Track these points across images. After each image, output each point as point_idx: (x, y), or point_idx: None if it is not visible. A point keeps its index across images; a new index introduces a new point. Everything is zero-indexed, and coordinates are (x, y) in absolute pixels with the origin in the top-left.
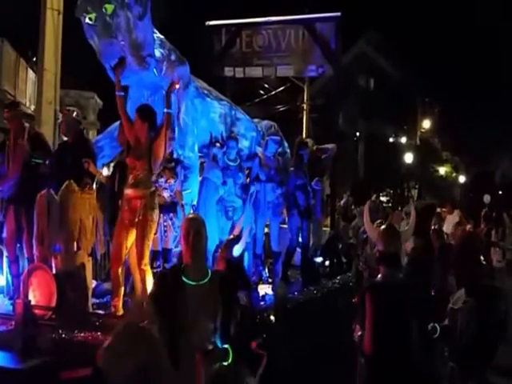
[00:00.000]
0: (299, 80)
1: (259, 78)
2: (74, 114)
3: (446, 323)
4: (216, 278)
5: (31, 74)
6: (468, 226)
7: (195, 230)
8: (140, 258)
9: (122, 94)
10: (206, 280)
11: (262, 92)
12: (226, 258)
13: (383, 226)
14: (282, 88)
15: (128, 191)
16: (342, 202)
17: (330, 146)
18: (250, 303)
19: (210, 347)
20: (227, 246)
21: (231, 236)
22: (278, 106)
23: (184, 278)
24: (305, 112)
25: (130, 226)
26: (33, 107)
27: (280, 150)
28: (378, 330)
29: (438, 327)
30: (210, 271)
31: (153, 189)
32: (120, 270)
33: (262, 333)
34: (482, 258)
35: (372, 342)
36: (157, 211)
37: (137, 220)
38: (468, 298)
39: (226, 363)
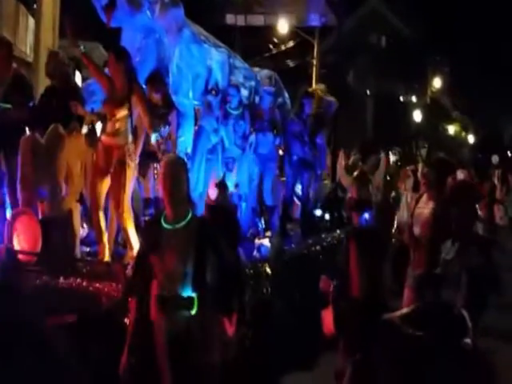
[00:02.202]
0: (309, 35)
1: (269, 32)
2: (60, 56)
3: (438, 272)
4: (195, 222)
5: (32, 22)
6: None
7: (171, 174)
8: (117, 206)
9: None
10: (182, 224)
11: (271, 47)
12: (209, 204)
13: (355, 173)
14: (291, 43)
15: (105, 139)
16: (350, 161)
17: (331, 99)
18: (234, 255)
19: (173, 293)
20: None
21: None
22: (288, 61)
23: (163, 223)
24: (314, 68)
25: (105, 173)
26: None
27: (280, 100)
28: (365, 273)
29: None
30: (189, 215)
31: (131, 138)
32: (100, 215)
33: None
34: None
35: (360, 286)
36: (135, 160)
37: (112, 170)
38: (460, 248)
39: (192, 312)
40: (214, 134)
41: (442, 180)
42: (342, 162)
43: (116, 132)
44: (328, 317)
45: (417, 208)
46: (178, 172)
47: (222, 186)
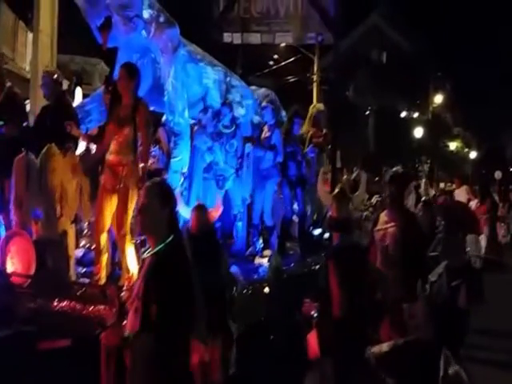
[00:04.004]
0: (309, 51)
1: (269, 48)
2: (54, 75)
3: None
4: (161, 252)
5: (31, 39)
6: (476, 201)
7: (142, 201)
8: (119, 226)
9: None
10: (150, 253)
11: (271, 63)
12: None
13: (336, 191)
14: (291, 59)
15: (110, 157)
16: (352, 176)
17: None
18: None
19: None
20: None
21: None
22: (288, 77)
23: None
24: (315, 84)
25: (112, 192)
26: None
27: (278, 118)
28: (346, 292)
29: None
30: (162, 244)
31: (134, 156)
32: (103, 237)
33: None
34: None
35: (341, 305)
36: (140, 179)
37: (118, 187)
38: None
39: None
40: (208, 152)
41: (402, 195)
42: (321, 181)
43: (120, 149)
44: (313, 340)
45: (376, 231)
46: (148, 199)
47: (200, 209)
